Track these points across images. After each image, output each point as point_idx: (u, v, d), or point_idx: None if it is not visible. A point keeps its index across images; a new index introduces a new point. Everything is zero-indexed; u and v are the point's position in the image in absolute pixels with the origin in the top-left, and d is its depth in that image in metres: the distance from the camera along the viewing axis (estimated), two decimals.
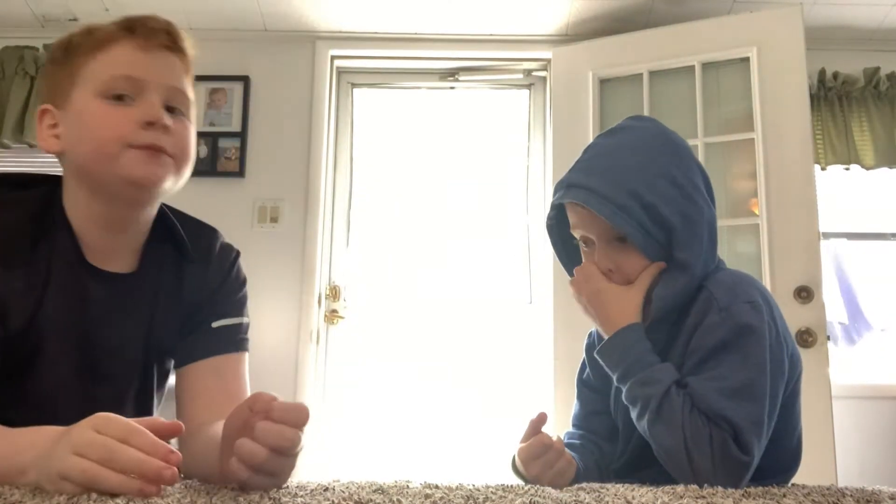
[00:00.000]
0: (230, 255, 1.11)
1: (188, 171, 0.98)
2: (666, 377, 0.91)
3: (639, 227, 0.96)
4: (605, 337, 0.99)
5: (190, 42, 1.00)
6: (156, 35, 0.95)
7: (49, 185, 0.99)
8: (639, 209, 0.96)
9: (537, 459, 0.94)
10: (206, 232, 1.09)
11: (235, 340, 1.05)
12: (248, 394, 1.03)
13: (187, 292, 1.04)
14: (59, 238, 0.95)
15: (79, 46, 0.95)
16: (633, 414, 0.94)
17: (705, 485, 0.78)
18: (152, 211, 1.01)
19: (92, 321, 0.96)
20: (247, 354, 1.07)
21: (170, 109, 0.95)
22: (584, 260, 1.05)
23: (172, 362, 1.07)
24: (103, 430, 0.63)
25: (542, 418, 0.99)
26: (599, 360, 0.99)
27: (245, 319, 1.08)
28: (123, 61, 0.93)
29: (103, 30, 0.95)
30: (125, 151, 0.90)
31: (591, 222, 1.00)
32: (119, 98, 0.92)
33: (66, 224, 0.96)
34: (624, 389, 0.95)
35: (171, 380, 1.09)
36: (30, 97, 2.95)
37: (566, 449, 0.98)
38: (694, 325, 0.95)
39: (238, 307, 1.08)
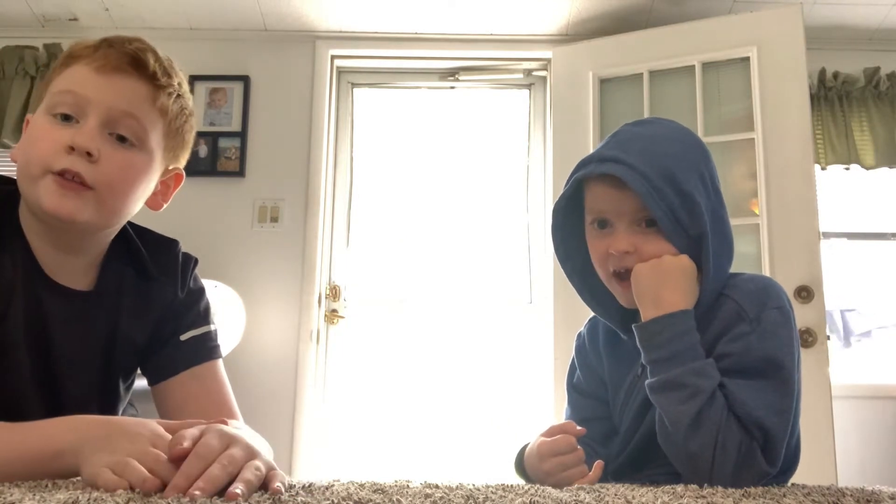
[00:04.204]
0: (189, 267, 1.08)
1: (121, 204, 0.93)
2: (716, 374, 0.89)
3: (670, 213, 0.93)
4: (643, 312, 0.94)
5: (165, 69, 0.95)
6: (117, 57, 0.91)
7: (9, 190, 0.95)
8: (673, 195, 0.93)
9: (557, 457, 0.92)
10: (165, 247, 1.06)
11: (207, 349, 1.04)
12: (231, 396, 1.03)
13: (151, 310, 1.02)
14: (17, 247, 0.92)
15: (56, 61, 0.94)
16: (668, 398, 0.88)
17: (705, 484, 0.78)
18: (106, 233, 0.98)
19: (50, 335, 0.94)
20: (221, 360, 1.06)
21: (120, 138, 0.91)
22: (590, 244, 1.01)
23: (137, 373, 1.06)
24: (158, 445, 0.68)
25: (578, 431, 0.94)
26: (637, 334, 0.94)
27: (212, 327, 1.07)
28: (74, 78, 0.90)
29: (78, 46, 0.93)
30: (44, 176, 0.87)
31: (618, 201, 0.95)
32: (65, 118, 0.89)
33: (23, 234, 0.94)
34: (662, 373, 0.90)
35: (140, 385, 1.09)
36: (30, 97, 2.95)
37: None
38: (718, 334, 0.93)
39: (203, 316, 1.06)
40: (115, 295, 1.00)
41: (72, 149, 0.87)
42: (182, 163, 1.04)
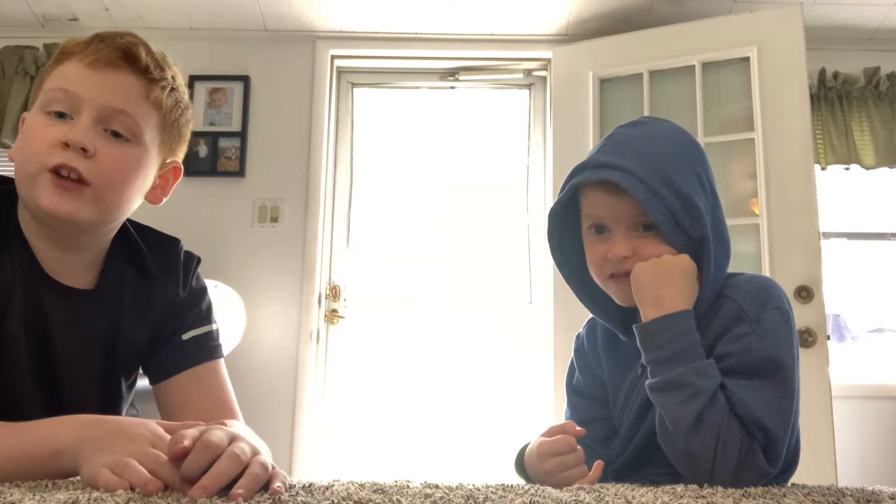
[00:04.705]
0: (191, 266, 1.08)
1: (119, 199, 0.92)
2: (717, 375, 0.89)
3: (670, 216, 0.93)
4: (643, 312, 0.94)
5: (157, 62, 0.95)
6: (109, 52, 0.91)
7: (8, 189, 0.95)
8: (673, 198, 0.93)
9: (556, 457, 0.92)
10: (167, 245, 1.06)
11: (209, 348, 1.04)
12: (233, 396, 1.03)
13: (152, 309, 1.02)
14: (16, 246, 0.92)
15: (51, 58, 0.94)
16: (669, 398, 0.88)
17: (705, 484, 0.78)
18: (107, 231, 0.98)
19: (50, 334, 0.93)
20: (222, 360, 1.06)
21: (114, 134, 0.90)
22: (587, 249, 1.01)
23: (139, 372, 1.06)
24: (158, 446, 0.69)
25: (578, 431, 0.94)
26: (638, 335, 0.94)
27: (214, 326, 1.07)
28: (66, 75, 0.90)
29: (70, 43, 0.93)
30: (41, 174, 0.87)
31: (616, 206, 0.95)
32: (60, 115, 0.89)
33: (22, 233, 0.93)
34: (664, 373, 0.90)
35: (140, 385, 1.09)
36: (30, 97, 2.95)
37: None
38: (718, 334, 0.93)
39: (205, 316, 1.06)
40: (115, 294, 1.00)
41: (66, 145, 0.87)
42: (179, 156, 1.04)
